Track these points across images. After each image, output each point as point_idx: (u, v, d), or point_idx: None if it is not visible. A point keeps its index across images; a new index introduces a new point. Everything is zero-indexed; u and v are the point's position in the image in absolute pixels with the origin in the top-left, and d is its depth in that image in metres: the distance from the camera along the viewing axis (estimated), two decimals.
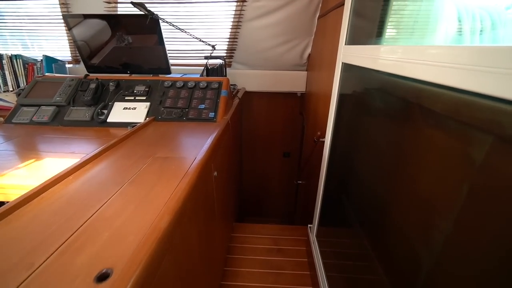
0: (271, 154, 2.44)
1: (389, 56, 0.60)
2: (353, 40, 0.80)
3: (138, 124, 1.08)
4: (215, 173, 0.93)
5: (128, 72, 1.43)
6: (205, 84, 1.28)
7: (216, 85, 1.28)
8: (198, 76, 1.48)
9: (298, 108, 2.22)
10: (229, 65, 1.96)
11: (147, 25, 1.29)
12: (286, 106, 2.21)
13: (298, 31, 1.69)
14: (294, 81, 1.98)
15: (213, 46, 1.46)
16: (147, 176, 0.68)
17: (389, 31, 0.72)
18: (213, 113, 1.18)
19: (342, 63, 0.84)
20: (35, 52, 1.86)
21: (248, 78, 1.97)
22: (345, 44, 0.82)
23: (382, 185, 0.67)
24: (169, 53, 1.78)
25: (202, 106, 1.21)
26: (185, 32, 1.31)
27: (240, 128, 1.94)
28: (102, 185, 0.65)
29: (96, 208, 0.56)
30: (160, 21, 1.25)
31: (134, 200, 0.58)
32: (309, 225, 1.31)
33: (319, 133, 1.20)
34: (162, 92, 1.27)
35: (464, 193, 0.38)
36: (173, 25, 1.25)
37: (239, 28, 1.68)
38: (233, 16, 1.63)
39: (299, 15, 1.59)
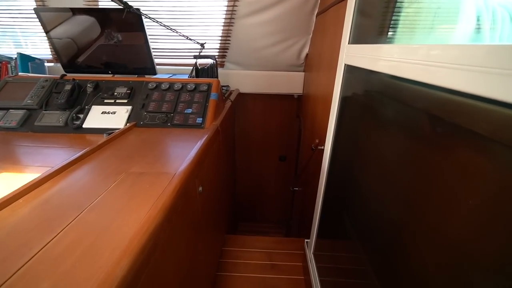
0: (267, 157, 2.35)
1: (401, 57, 0.50)
2: (357, 38, 0.70)
3: (116, 131, 0.97)
4: (200, 189, 0.82)
5: (110, 72, 1.31)
6: (193, 86, 1.17)
7: (205, 87, 1.17)
8: (186, 77, 1.37)
9: (295, 110, 2.12)
10: (222, 65, 1.85)
11: (129, 20, 1.17)
12: (282, 109, 2.11)
13: (295, 29, 1.58)
14: (291, 83, 1.88)
15: (201, 45, 1.35)
16: (115, 198, 0.58)
17: (400, 28, 0.62)
18: (201, 119, 1.07)
19: (345, 64, 0.74)
20: (29, 51, 1.73)
21: (242, 79, 1.86)
22: (348, 43, 0.72)
23: (389, 200, 0.57)
24: (156, 51, 1.67)
25: (189, 110, 1.10)
26: (170, 29, 1.20)
27: (233, 132, 1.83)
28: (58, 210, 0.53)
29: (42, 243, 0.45)
30: (143, 16, 1.14)
31: (92, 233, 0.47)
32: (306, 240, 1.21)
33: (317, 140, 1.10)
34: (146, 95, 1.15)
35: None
36: (156, 21, 1.14)
37: (231, 26, 1.58)
38: (225, 12, 1.52)
39: (296, 11, 1.49)
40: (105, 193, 0.59)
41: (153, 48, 1.24)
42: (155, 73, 1.29)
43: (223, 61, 1.82)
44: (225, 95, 1.50)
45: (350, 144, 0.80)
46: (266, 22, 1.54)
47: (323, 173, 1.00)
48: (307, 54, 1.72)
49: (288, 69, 1.84)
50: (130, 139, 0.93)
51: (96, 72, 1.31)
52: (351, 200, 0.80)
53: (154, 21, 1.11)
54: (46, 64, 1.69)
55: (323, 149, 1.10)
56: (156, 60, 1.72)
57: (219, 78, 1.74)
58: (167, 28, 1.15)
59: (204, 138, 0.93)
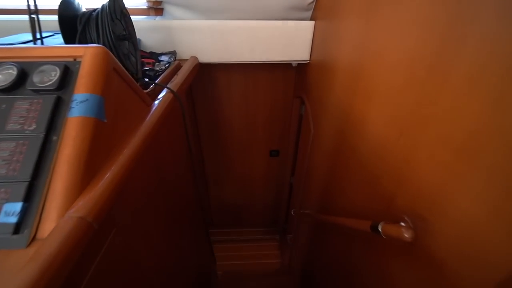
0: (252, 153, 1.76)
1: None
2: None
3: None
4: None
5: None
6: (13, 76, 0.36)
7: (51, 79, 0.36)
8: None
9: (293, 87, 1.35)
10: (159, 12, 0.98)
11: None
12: (272, 85, 1.36)
13: None
14: (288, 42, 1.05)
15: None
16: None
17: None
18: (21, 206, 0.30)
19: None
20: None
21: (201, 38, 1.00)
22: None
23: None
24: None
25: None
26: None
27: (184, 154, 0.91)
28: None
29: None
30: None
31: None
32: None
33: (403, 224, 0.37)
34: None
35: None
36: None
37: None
38: None
39: None
40: None
41: None
42: None
43: (159, 2, 0.94)
44: (156, 81, 0.68)
45: None
46: None
47: None
48: None
49: (284, 17, 1.00)
50: None
51: None
52: None
53: None
54: None
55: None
56: None
57: (149, 37, 0.90)
58: None
59: None
